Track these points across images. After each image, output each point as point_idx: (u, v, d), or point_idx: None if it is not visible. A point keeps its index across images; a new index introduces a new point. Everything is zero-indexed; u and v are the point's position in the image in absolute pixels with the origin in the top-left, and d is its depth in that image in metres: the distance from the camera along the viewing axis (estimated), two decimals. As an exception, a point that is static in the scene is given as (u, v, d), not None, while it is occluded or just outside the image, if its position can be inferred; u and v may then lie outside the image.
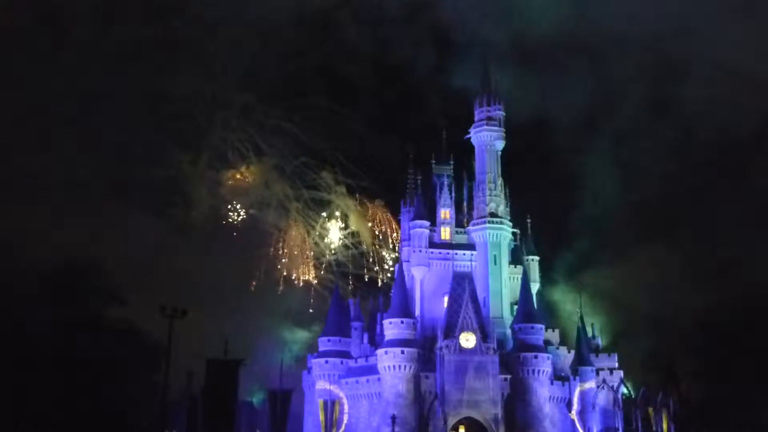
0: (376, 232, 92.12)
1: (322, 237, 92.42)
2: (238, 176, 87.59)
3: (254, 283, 79.23)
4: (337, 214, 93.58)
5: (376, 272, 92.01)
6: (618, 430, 68.79)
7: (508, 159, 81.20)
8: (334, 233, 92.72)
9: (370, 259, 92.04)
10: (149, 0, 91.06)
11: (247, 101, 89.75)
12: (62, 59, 77.88)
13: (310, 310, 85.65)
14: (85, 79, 77.81)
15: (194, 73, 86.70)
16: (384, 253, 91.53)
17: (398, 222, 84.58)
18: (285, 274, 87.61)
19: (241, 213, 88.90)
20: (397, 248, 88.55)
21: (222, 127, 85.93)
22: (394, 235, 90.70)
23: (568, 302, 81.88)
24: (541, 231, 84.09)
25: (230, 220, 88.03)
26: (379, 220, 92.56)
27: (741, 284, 79.34)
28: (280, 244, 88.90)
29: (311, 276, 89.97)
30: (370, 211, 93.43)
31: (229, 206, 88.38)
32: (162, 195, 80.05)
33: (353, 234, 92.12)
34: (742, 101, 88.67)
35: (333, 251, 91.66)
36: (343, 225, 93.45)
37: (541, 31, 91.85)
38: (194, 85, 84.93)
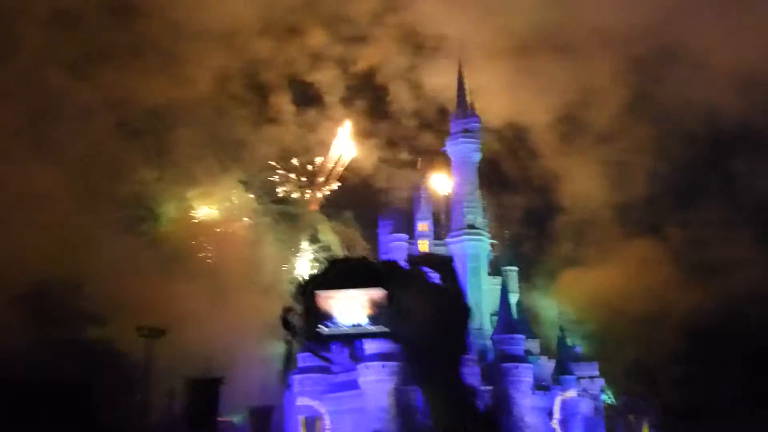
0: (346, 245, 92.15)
1: (293, 251, 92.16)
2: (203, 192, 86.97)
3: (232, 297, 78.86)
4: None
5: None
6: (600, 438, 69.21)
7: (485, 164, 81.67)
8: (306, 247, 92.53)
9: None
10: (110, 2, 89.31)
11: (211, 114, 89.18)
12: (18, 65, 76.11)
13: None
14: (43, 86, 76.24)
15: (159, 80, 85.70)
16: None
17: (368, 235, 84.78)
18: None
19: (215, 225, 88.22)
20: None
21: (186, 142, 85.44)
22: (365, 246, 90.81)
23: (549, 310, 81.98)
24: (522, 238, 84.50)
25: (200, 238, 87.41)
26: (350, 233, 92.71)
27: (728, 287, 79.30)
28: (254, 258, 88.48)
29: (288, 289, 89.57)
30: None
31: (196, 220, 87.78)
32: (129, 211, 79.15)
33: (325, 248, 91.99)
34: (725, 96, 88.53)
35: (307, 264, 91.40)
36: (313, 239, 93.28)
37: (516, 29, 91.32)
38: (159, 93, 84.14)
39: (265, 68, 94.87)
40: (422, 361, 4.92)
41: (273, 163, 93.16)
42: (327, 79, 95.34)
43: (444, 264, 4.98)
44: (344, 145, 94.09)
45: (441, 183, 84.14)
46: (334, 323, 4.86)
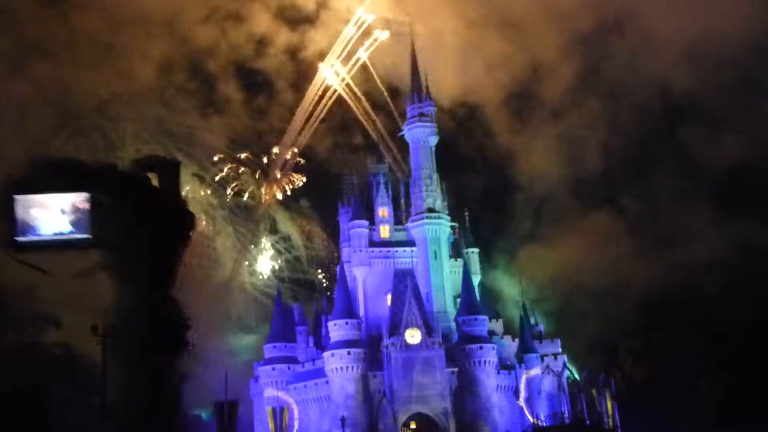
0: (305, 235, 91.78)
1: (253, 244, 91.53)
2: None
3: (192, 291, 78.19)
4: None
5: (313, 275, 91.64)
6: (564, 413, 70.01)
7: (440, 147, 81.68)
8: (265, 239, 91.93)
9: (305, 262, 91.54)
10: None
11: (159, 111, 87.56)
12: None
13: (253, 320, 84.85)
14: None
15: (100, 72, 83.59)
16: (317, 254, 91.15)
17: (327, 222, 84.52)
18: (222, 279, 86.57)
19: None
20: (328, 249, 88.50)
21: (134, 139, 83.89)
22: (323, 236, 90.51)
23: (511, 288, 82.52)
24: (482, 218, 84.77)
25: None
26: (306, 222, 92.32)
27: (684, 257, 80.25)
28: (213, 252, 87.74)
29: (248, 281, 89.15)
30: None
31: None
32: None
33: (284, 238, 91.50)
34: (674, 67, 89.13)
35: (267, 256, 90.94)
36: (272, 230, 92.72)
37: (461, 6, 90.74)
38: (101, 87, 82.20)
39: (210, 56, 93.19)
40: (132, 268, 4.56)
41: (225, 156, 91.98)
42: (275, 65, 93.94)
43: (167, 167, 4.60)
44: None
45: (398, 167, 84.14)
46: (34, 232, 4.47)
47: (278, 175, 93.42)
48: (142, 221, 4.24)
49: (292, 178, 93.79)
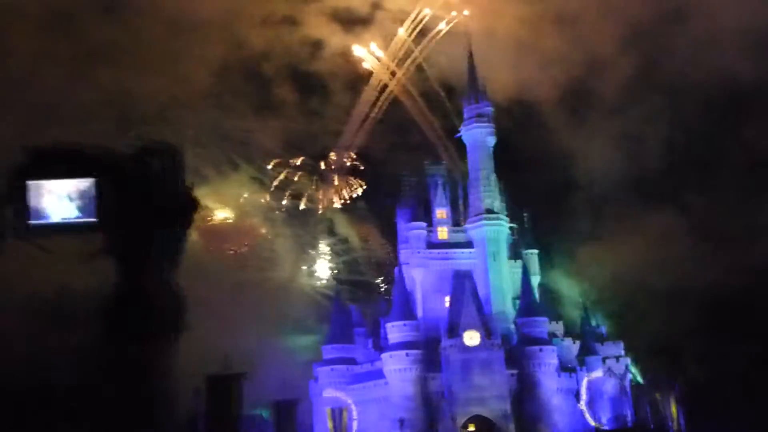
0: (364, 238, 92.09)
1: (311, 246, 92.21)
2: (215, 191, 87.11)
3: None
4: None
5: (370, 277, 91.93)
6: (627, 417, 68.73)
7: (498, 147, 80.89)
8: (323, 241, 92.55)
9: (362, 264, 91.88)
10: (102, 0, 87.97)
11: (216, 115, 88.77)
12: (12, 67, 75.29)
13: (312, 321, 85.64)
14: (41, 89, 75.34)
15: (161, 77, 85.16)
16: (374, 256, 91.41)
17: (385, 224, 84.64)
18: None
19: (228, 221, 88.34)
20: (385, 251, 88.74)
21: (193, 144, 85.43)
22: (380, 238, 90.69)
23: (571, 290, 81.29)
24: (541, 219, 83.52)
25: (216, 237, 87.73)
26: (364, 224, 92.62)
27: (750, 257, 77.63)
28: (272, 254, 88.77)
29: (307, 283, 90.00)
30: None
31: (212, 221, 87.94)
32: None
33: (342, 240, 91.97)
34: (737, 59, 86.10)
35: (325, 258, 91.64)
36: (330, 232, 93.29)
37: (516, 2, 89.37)
38: (162, 92, 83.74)
39: (265, 59, 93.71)
40: (137, 254, 4.62)
41: (282, 160, 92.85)
42: (329, 67, 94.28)
43: (168, 154, 4.64)
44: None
45: (455, 167, 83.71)
46: (44, 217, 4.58)
47: (335, 180, 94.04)
48: (144, 206, 4.37)
49: (350, 183, 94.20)
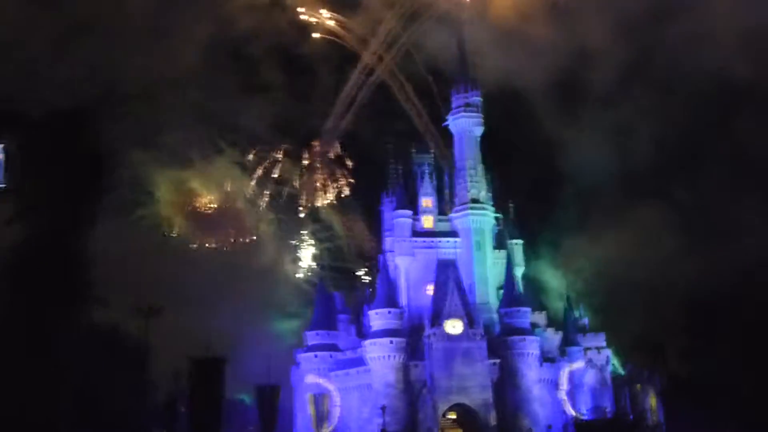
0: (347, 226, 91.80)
1: (295, 232, 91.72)
2: (200, 175, 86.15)
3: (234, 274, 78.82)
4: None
5: (354, 264, 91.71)
6: (606, 408, 69.23)
7: (486, 136, 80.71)
8: (307, 228, 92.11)
9: (346, 251, 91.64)
10: None
11: (202, 96, 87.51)
12: None
13: (295, 306, 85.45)
14: (23, 64, 73.69)
15: (147, 54, 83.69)
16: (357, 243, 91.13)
17: (369, 212, 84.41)
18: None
19: (212, 206, 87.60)
20: (369, 239, 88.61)
21: (178, 125, 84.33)
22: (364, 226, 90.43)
23: (556, 281, 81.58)
24: (527, 209, 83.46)
25: (199, 221, 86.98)
26: (348, 211, 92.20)
27: (735, 253, 77.97)
28: (253, 238, 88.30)
29: (290, 269, 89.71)
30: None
31: (196, 205, 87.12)
32: (126, 193, 77.84)
33: (326, 227, 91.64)
34: (729, 55, 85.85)
35: (309, 244, 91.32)
36: (314, 218, 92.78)
37: None
38: (148, 70, 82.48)
39: (252, 41, 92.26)
40: (44, 219, 4.44)
41: (267, 145, 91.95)
42: (318, 49, 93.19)
43: (83, 118, 4.46)
44: None
45: (442, 155, 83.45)
46: None
47: (319, 171, 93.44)
48: (54, 169, 4.18)
49: (337, 179, 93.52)
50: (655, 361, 73.51)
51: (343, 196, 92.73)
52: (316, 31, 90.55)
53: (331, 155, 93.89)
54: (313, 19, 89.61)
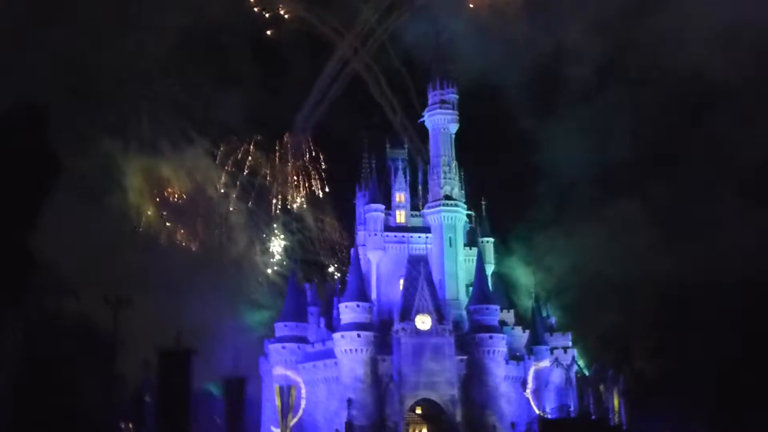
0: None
1: (266, 223, 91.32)
2: (170, 164, 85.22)
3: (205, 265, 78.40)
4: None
5: (324, 257, 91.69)
6: (570, 407, 70.25)
7: (461, 131, 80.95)
8: (278, 219, 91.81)
9: (317, 244, 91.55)
10: None
11: (174, 87, 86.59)
12: None
13: (264, 298, 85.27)
14: None
15: (118, 42, 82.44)
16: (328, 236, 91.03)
17: (342, 206, 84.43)
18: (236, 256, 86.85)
19: (182, 196, 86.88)
20: (340, 232, 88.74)
21: (149, 115, 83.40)
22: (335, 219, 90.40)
23: (527, 279, 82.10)
24: (500, 207, 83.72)
25: (170, 206, 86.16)
26: (320, 204, 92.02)
27: (707, 253, 78.49)
28: (224, 229, 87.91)
29: (261, 260, 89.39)
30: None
31: (166, 193, 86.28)
32: (92, 183, 76.87)
33: (297, 219, 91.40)
34: (708, 52, 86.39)
35: (279, 236, 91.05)
36: (285, 210, 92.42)
37: None
38: (119, 62, 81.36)
39: (225, 30, 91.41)
40: None
41: (239, 137, 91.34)
42: (291, 40, 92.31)
43: (34, 115, 4.64)
44: None
45: (417, 151, 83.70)
46: None
47: (291, 158, 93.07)
48: (3, 165, 4.30)
49: (308, 171, 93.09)
50: (621, 361, 74.53)
51: (314, 189, 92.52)
52: (290, 23, 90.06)
53: (303, 147, 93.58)
54: (287, 11, 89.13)
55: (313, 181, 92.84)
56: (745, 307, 72.84)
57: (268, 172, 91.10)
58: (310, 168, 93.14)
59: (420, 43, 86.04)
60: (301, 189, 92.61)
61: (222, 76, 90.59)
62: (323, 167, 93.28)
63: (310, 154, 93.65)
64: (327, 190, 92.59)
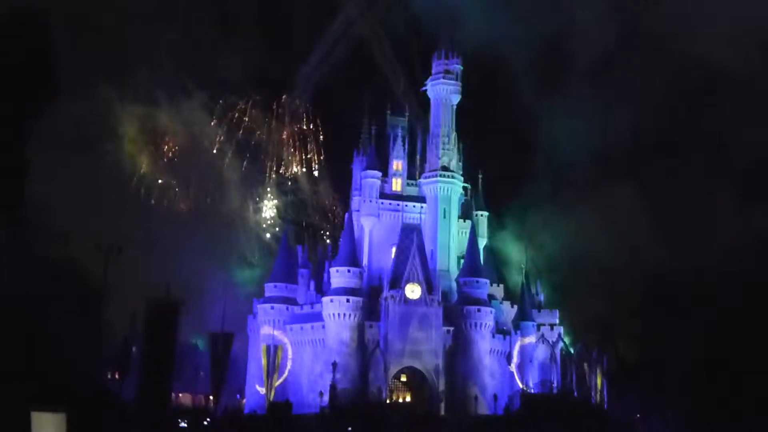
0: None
1: (260, 182, 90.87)
2: (166, 116, 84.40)
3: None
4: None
5: (318, 219, 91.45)
6: (553, 383, 70.76)
7: (463, 105, 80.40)
8: (272, 178, 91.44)
9: (310, 206, 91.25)
10: None
11: (174, 36, 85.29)
12: None
13: (255, 256, 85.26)
14: None
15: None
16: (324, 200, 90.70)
17: (340, 170, 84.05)
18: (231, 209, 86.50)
19: (175, 149, 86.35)
20: (333, 196, 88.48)
21: (148, 66, 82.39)
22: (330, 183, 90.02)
23: (519, 255, 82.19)
24: (496, 181, 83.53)
25: (165, 158, 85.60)
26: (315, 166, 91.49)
27: (699, 243, 78.55)
28: (217, 185, 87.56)
29: (253, 218, 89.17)
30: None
31: (161, 145, 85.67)
32: (89, 129, 75.96)
33: (291, 180, 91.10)
34: (715, 42, 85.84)
35: (273, 195, 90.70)
36: (279, 170, 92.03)
37: None
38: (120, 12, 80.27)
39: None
40: None
41: (238, 92, 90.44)
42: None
43: (35, 22, 4.48)
44: None
45: (417, 119, 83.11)
46: None
47: (288, 119, 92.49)
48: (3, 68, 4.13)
49: (306, 132, 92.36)
50: (605, 342, 75.05)
51: (311, 156, 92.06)
52: None
53: (301, 112, 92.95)
54: None
55: (309, 146, 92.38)
56: (723, 303, 73.23)
57: (265, 129, 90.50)
58: (309, 134, 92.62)
59: (428, 10, 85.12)
60: (297, 155, 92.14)
61: (225, 32, 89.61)
62: (321, 134, 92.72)
63: (308, 119, 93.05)
64: (323, 156, 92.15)
